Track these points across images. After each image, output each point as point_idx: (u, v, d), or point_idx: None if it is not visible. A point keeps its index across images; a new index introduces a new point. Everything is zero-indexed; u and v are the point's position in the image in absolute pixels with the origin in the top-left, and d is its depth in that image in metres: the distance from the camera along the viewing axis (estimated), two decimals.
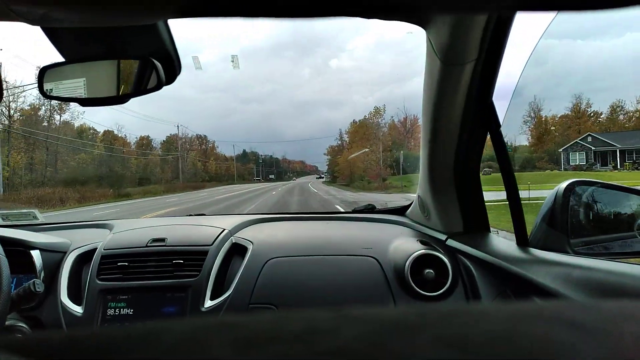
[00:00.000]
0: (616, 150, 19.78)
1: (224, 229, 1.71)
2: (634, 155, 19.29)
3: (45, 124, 35.60)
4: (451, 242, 1.51)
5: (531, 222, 1.19)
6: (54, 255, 1.62)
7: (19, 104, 31.33)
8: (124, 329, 0.26)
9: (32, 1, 0.40)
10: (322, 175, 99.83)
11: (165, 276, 1.49)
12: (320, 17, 0.32)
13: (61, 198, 24.36)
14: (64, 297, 1.50)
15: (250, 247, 1.62)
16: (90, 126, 43.83)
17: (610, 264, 0.89)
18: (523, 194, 1.25)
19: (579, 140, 21.61)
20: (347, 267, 1.53)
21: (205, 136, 73.00)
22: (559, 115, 29.52)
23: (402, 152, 37.74)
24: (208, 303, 1.45)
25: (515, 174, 1.19)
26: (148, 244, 1.58)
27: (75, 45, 0.88)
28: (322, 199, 21.78)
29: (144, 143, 55.76)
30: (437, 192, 1.50)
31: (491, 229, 1.47)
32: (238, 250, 1.64)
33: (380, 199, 18.31)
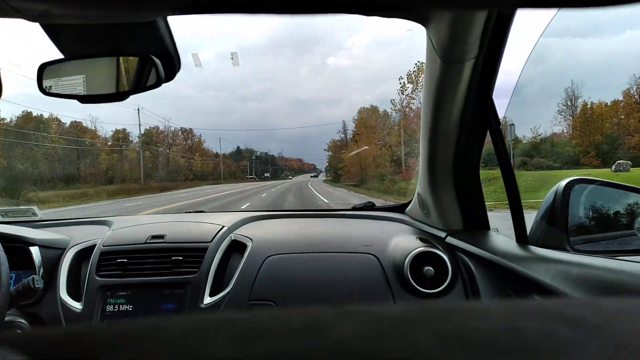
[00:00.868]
0: None
1: (223, 226, 1.71)
2: None
3: None
4: (451, 240, 1.51)
5: None
6: (53, 252, 1.62)
7: None
8: (123, 325, 0.27)
9: None
10: (317, 174, 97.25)
11: (165, 273, 1.49)
12: (320, 14, 0.32)
13: None
14: (63, 294, 1.50)
15: (249, 244, 1.62)
16: (55, 117, 40.69)
17: (610, 261, 0.90)
18: None
19: None
20: (347, 264, 1.53)
21: (191, 129, 67.71)
22: (607, 103, 24.93)
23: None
24: (207, 300, 1.45)
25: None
26: (147, 241, 1.58)
27: (74, 42, 0.88)
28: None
29: (121, 137, 51.21)
30: (436, 190, 1.50)
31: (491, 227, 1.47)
32: (237, 247, 1.65)
33: None
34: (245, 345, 0.23)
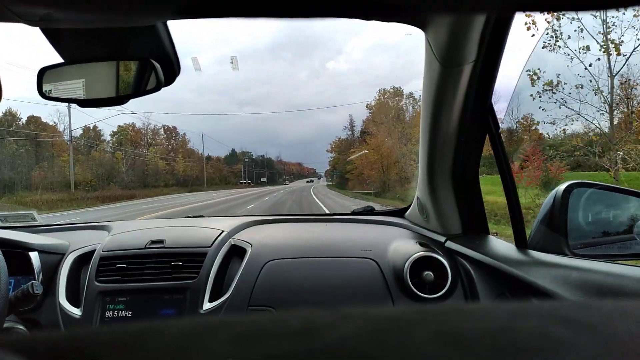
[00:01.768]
0: None
1: (223, 231, 1.71)
2: None
3: None
4: (450, 244, 1.51)
5: None
6: (53, 257, 1.61)
7: None
8: (123, 328, 0.27)
9: (32, 2, 0.40)
10: (311, 179, 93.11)
11: (164, 278, 1.48)
12: (319, 18, 0.32)
13: None
14: (62, 299, 1.49)
15: (249, 249, 1.62)
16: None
17: (609, 265, 0.90)
18: None
19: None
20: (346, 269, 1.53)
21: (174, 127, 58.33)
22: None
23: None
24: (207, 305, 1.44)
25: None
26: (147, 246, 1.58)
27: (74, 46, 0.88)
28: None
29: (91, 135, 44.46)
30: (436, 194, 1.50)
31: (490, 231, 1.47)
32: (237, 252, 1.64)
33: None
34: (244, 346, 0.23)
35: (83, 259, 1.63)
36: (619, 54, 7.17)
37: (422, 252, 1.46)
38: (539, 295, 0.97)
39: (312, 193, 31.75)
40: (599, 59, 7.28)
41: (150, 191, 39.85)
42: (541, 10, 0.33)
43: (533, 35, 7.20)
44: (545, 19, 7.21)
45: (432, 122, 1.31)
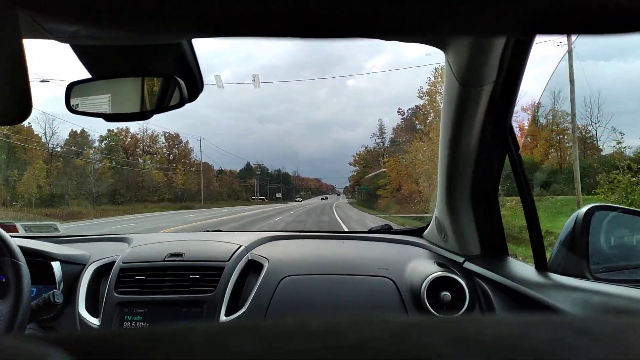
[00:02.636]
0: None
1: (240, 245, 1.72)
2: None
3: None
4: (468, 265, 1.49)
5: None
6: (74, 267, 1.64)
7: None
8: (154, 329, 0.29)
9: (62, 20, 0.42)
10: (326, 197, 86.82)
11: (182, 291, 1.49)
12: (340, 39, 0.33)
13: None
14: (82, 309, 1.52)
15: (266, 264, 1.62)
16: None
17: (632, 290, 0.87)
18: None
19: None
20: (363, 287, 1.52)
21: (177, 134, 52.73)
22: None
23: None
24: (223, 319, 1.45)
25: None
26: (166, 259, 1.60)
27: (101, 63, 0.91)
28: None
29: (78, 141, 40.23)
30: (454, 214, 1.49)
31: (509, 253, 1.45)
32: (254, 267, 1.65)
33: None
34: (270, 343, 0.25)
35: (103, 270, 1.65)
36: None
37: (440, 272, 1.44)
38: None
39: (337, 217, 22.91)
40: None
41: (119, 208, 34.33)
42: (560, 33, 0.33)
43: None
44: None
45: (451, 142, 1.30)
